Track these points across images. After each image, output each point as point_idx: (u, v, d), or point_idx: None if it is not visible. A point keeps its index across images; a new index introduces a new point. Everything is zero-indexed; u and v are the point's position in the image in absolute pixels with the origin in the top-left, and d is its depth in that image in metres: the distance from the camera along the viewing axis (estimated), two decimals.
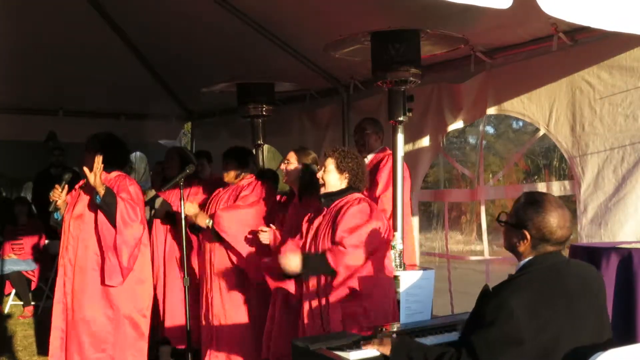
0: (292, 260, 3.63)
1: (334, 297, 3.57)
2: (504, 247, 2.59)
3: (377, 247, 3.59)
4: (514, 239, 2.46)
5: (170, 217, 5.39)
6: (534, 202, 2.42)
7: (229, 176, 4.90)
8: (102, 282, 4.42)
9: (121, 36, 6.79)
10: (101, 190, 4.26)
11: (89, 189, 4.47)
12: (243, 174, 4.91)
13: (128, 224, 4.37)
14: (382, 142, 4.90)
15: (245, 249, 4.63)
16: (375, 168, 4.69)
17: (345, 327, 3.50)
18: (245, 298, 4.76)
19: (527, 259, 2.45)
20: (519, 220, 2.43)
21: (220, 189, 5.03)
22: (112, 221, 4.34)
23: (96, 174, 4.23)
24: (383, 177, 4.55)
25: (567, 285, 2.40)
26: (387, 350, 2.58)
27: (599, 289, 2.54)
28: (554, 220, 2.38)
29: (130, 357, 4.49)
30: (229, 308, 4.76)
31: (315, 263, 3.61)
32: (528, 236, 2.41)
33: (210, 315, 4.79)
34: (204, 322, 4.84)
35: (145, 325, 4.59)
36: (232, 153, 4.97)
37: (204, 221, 4.73)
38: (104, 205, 4.31)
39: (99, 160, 4.23)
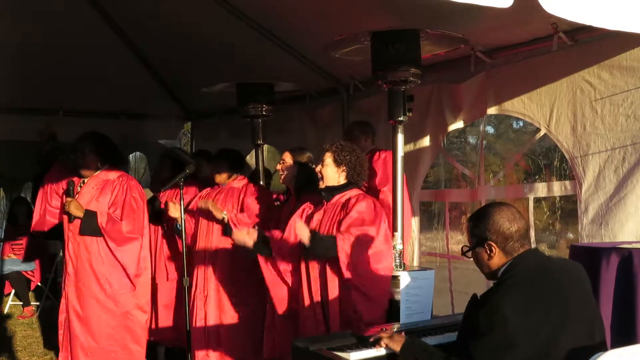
0: (303, 229, 3.61)
1: (332, 295, 3.57)
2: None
3: (379, 247, 3.59)
4: (484, 256, 2.50)
5: (159, 218, 5.39)
6: (478, 216, 2.53)
7: (221, 177, 4.93)
8: (105, 280, 4.47)
9: (121, 36, 6.79)
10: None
11: (86, 191, 4.53)
12: (235, 175, 4.93)
13: (124, 241, 4.51)
14: (373, 142, 4.95)
15: None
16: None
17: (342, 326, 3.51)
18: (241, 299, 4.76)
19: (505, 265, 2.47)
20: (478, 238, 2.51)
21: (209, 188, 5.03)
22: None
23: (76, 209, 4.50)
24: (379, 171, 4.57)
25: (554, 281, 2.41)
26: (397, 347, 2.59)
27: (586, 283, 2.54)
28: (502, 217, 2.46)
29: (132, 352, 4.55)
30: (223, 308, 4.76)
31: (323, 242, 3.59)
32: (493, 244, 2.46)
33: (203, 315, 4.78)
34: (196, 323, 4.83)
35: (145, 320, 4.70)
36: (224, 154, 4.99)
37: (219, 213, 4.69)
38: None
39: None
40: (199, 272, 4.86)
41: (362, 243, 3.54)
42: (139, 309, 4.65)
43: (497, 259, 2.48)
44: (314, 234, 3.61)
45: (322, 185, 3.83)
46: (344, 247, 3.52)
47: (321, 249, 3.59)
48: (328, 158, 3.80)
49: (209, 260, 4.82)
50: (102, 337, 4.51)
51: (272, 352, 4.25)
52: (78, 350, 4.51)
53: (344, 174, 3.79)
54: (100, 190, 4.58)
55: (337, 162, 3.78)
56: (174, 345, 5.32)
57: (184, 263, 4.50)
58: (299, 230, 3.62)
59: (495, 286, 2.43)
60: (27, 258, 7.73)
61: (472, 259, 2.58)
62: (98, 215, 4.48)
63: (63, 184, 4.64)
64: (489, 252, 2.48)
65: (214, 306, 4.77)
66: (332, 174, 3.79)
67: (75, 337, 4.52)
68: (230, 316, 4.76)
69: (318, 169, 3.83)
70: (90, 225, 4.46)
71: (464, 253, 2.60)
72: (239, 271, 4.75)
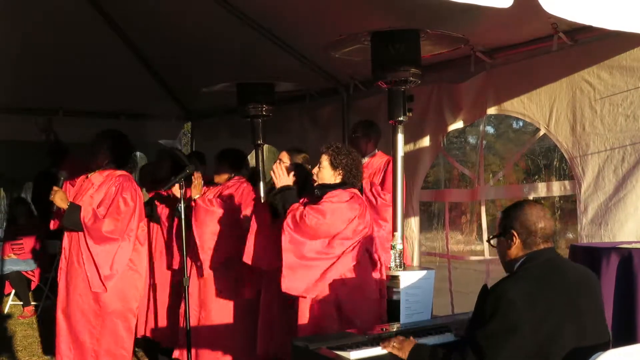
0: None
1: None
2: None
3: (344, 235, 3.66)
4: (505, 245, 2.60)
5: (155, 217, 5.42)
6: (512, 207, 2.64)
7: (221, 178, 4.93)
8: (90, 278, 4.50)
9: (121, 36, 6.79)
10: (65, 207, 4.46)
11: (85, 186, 4.55)
12: (235, 176, 4.92)
13: (101, 240, 4.46)
14: (375, 145, 4.88)
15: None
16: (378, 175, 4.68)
17: (320, 327, 3.53)
18: (235, 295, 4.77)
19: (522, 258, 2.54)
20: (504, 226, 2.62)
21: (205, 187, 5.04)
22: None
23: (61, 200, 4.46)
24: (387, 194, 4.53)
25: (567, 280, 2.46)
26: (404, 354, 2.63)
27: (598, 290, 2.59)
28: (532, 212, 2.57)
29: (115, 355, 4.55)
30: (215, 305, 4.76)
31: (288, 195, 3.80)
32: (516, 234, 2.55)
33: (197, 313, 4.78)
34: (192, 321, 4.83)
35: (133, 323, 4.69)
36: (226, 155, 4.98)
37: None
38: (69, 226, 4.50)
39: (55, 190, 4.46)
40: (191, 269, 4.86)
41: (317, 214, 3.66)
42: (127, 311, 4.60)
43: (515, 250, 2.57)
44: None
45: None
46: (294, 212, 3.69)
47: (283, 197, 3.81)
48: (325, 161, 3.85)
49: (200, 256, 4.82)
50: (84, 335, 4.50)
51: (267, 350, 4.25)
52: (63, 346, 4.53)
53: (340, 177, 3.84)
54: (97, 188, 4.60)
55: (334, 166, 3.83)
56: (168, 344, 5.31)
57: (183, 262, 4.52)
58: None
59: (506, 277, 2.51)
60: (27, 258, 7.73)
61: (495, 247, 2.70)
62: (82, 209, 4.46)
63: (76, 180, 4.69)
64: (509, 241, 2.57)
65: (206, 303, 4.77)
66: (328, 177, 3.84)
67: (60, 332, 4.54)
68: (224, 314, 4.75)
69: (315, 170, 3.87)
70: (71, 218, 4.44)
71: (488, 240, 2.76)
72: (230, 269, 4.76)
